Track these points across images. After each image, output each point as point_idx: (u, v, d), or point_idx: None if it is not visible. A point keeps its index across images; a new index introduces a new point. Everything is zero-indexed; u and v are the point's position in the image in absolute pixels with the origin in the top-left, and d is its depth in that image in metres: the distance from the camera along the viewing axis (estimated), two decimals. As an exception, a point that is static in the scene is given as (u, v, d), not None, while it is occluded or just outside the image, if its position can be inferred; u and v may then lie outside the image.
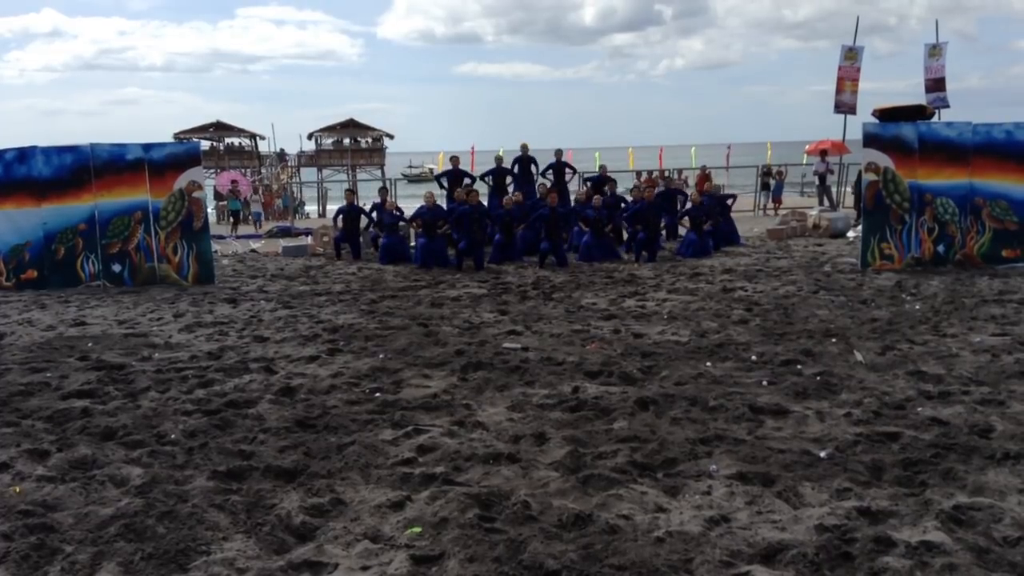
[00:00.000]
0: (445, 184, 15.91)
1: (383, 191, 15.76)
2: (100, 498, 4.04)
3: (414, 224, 13.80)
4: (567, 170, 16.65)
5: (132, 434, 5.02)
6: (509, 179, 16.03)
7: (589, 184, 16.62)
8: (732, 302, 9.33)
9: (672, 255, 13.88)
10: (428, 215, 13.45)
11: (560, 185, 16.09)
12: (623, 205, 15.04)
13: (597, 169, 18.13)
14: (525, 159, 16.22)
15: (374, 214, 14.89)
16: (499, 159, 16.63)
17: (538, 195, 14.97)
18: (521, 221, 13.81)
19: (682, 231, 15.49)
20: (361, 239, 15.33)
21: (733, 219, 16.13)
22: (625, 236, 14.49)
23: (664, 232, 15.02)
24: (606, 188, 15.58)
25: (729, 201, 16.21)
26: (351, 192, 17.10)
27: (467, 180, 15.72)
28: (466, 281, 11.56)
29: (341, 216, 15.07)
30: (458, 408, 5.49)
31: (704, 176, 23.71)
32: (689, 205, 15.52)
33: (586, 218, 13.77)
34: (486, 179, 16.12)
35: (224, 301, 10.30)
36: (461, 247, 13.07)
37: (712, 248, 14.22)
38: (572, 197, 16.07)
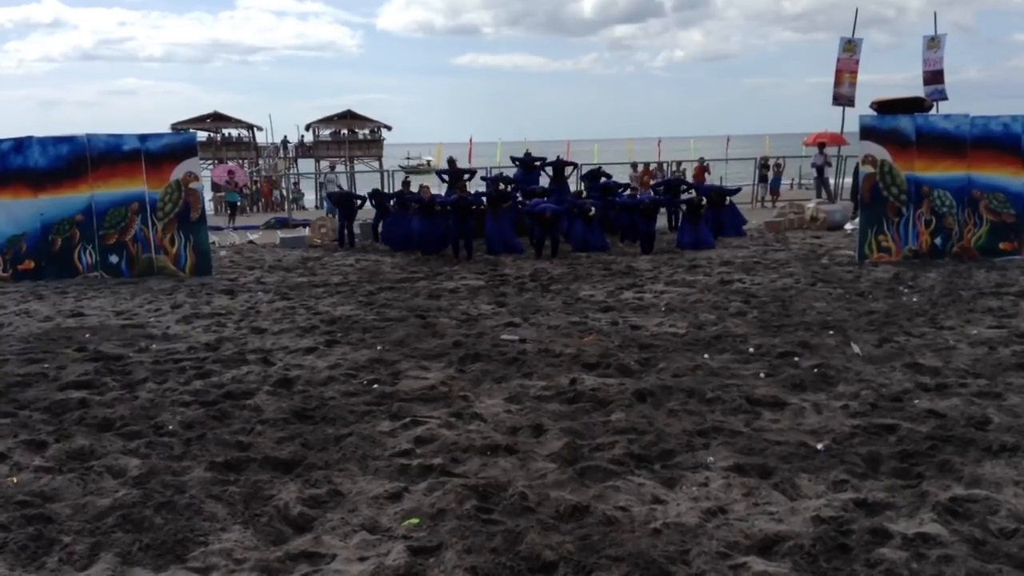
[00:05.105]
0: (445, 179, 16.17)
1: (407, 184, 16.13)
2: (98, 489, 4.04)
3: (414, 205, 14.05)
4: (567, 167, 16.84)
5: (130, 425, 5.02)
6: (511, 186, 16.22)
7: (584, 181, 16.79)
8: (730, 294, 9.34)
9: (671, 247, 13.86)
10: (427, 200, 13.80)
11: (560, 183, 16.29)
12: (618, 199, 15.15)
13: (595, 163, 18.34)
14: (527, 160, 16.53)
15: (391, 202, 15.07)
16: (500, 174, 16.95)
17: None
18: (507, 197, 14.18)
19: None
20: (359, 230, 15.40)
21: (736, 207, 16.03)
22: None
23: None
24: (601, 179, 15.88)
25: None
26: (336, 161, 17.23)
27: (467, 176, 15.88)
28: (464, 273, 11.56)
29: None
30: (456, 400, 5.49)
31: (702, 168, 23.71)
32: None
33: (575, 203, 14.00)
34: (485, 180, 16.41)
35: (222, 292, 10.29)
36: (453, 234, 13.23)
37: (710, 236, 14.15)
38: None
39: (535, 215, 13.41)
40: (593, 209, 13.72)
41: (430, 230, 13.63)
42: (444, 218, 13.58)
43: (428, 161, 64.90)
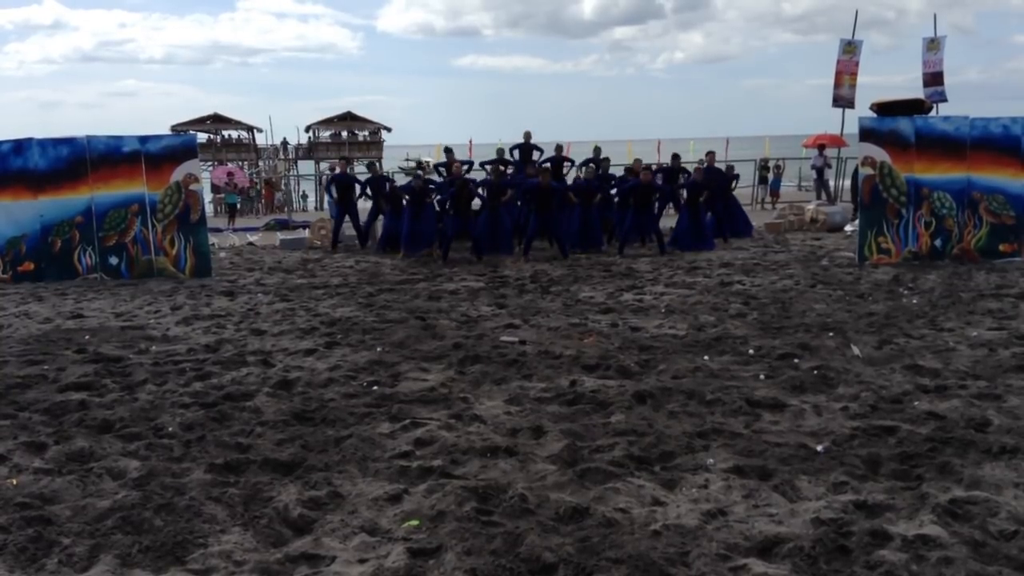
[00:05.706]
0: (444, 173, 16.00)
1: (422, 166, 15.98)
2: (97, 491, 4.04)
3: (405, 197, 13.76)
4: (565, 163, 16.66)
5: (129, 427, 5.02)
6: (510, 169, 16.02)
7: (583, 168, 16.58)
8: (730, 296, 9.34)
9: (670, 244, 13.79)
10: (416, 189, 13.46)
11: (558, 178, 16.14)
12: (614, 182, 14.94)
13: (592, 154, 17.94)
14: (527, 147, 16.28)
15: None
16: (500, 151, 16.63)
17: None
18: (507, 188, 13.73)
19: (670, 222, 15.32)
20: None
21: (740, 205, 15.98)
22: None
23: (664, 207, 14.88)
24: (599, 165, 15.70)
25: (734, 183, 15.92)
26: (344, 160, 17.06)
27: (464, 166, 15.75)
28: (463, 274, 11.56)
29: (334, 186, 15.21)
30: (455, 401, 5.49)
31: (702, 170, 23.69)
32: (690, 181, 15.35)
33: (576, 187, 13.80)
34: (485, 167, 16.16)
35: (221, 294, 10.29)
36: (449, 233, 13.13)
37: (711, 236, 13.98)
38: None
39: (530, 191, 13.00)
40: (596, 175, 13.58)
41: (422, 226, 13.41)
42: (438, 213, 13.42)
43: (427, 162, 64.90)
